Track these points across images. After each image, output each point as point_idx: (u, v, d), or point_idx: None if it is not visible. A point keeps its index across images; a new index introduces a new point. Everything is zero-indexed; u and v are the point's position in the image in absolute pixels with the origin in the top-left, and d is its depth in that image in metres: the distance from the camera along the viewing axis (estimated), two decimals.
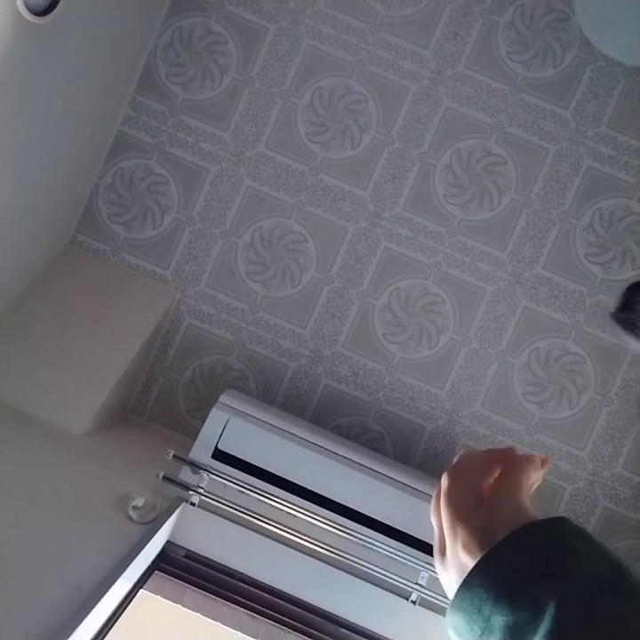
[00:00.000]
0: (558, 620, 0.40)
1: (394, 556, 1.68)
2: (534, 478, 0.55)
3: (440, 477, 0.57)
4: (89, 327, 2.03)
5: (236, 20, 2.22)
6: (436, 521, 0.54)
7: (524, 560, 0.44)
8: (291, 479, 1.74)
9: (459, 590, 0.46)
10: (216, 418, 1.76)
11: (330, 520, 1.69)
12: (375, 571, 1.66)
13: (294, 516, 1.68)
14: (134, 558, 1.35)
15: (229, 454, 1.75)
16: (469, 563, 0.47)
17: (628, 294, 0.66)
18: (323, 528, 1.68)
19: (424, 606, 1.68)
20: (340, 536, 1.69)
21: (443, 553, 0.52)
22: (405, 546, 1.72)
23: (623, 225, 2.22)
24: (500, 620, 0.43)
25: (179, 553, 1.66)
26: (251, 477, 1.73)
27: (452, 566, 0.50)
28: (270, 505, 1.67)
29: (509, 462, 0.55)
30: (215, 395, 1.94)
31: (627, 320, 0.65)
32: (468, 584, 0.45)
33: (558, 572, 0.43)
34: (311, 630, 1.65)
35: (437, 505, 0.54)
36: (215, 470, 1.69)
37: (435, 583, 1.68)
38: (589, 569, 0.43)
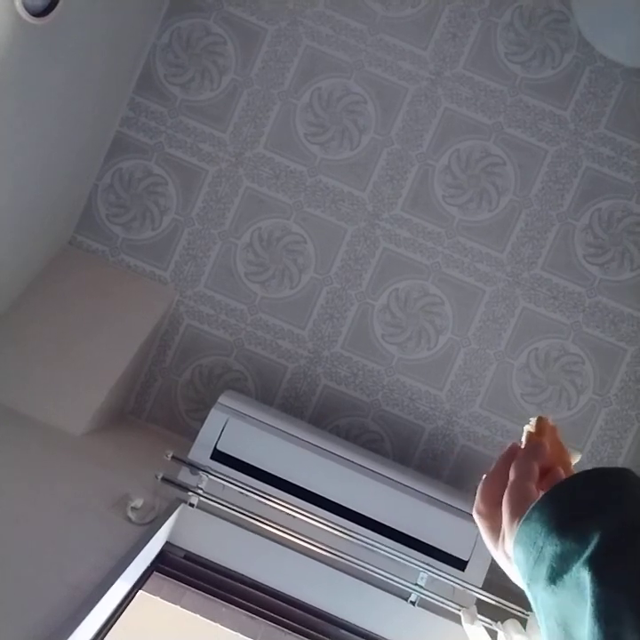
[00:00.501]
0: (600, 548, 0.44)
1: (393, 556, 1.68)
2: (542, 454, 0.60)
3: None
4: (88, 328, 2.03)
5: (234, 21, 2.22)
6: (486, 513, 0.60)
7: (579, 498, 0.49)
8: (290, 480, 1.74)
9: (520, 526, 0.51)
10: (215, 419, 1.76)
11: (329, 521, 1.69)
12: (374, 572, 1.66)
13: (293, 517, 1.68)
14: (133, 559, 1.35)
15: (228, 455, 1.75)
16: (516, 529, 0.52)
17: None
18: (322, 529, 1.68)
19: (423, 607, 1.68)
20: (339, 537, 1.69)
21: (495, 540, 0.58)
22: (405, 547, 1.72)
23: (622, 226, 2.23)
24: (549, 550, 0.47)
25: (178, 554, 1.66)
26: (250, 478, 1.73)
27: (503, 545, 0.56)
28: (269, 506, 1.67)
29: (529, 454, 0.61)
30: (214, 395, 1.94)
31: None
32: (527, 520, 0.50)
33: (609, 509, 0.47)
34: (310, 631, 1.65)
35: (486, 498, 0.60)
36: (214, 471, 1.69)
37: (434, 584, 1.69)
38: (636, 511, 0.47)
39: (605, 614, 0.42)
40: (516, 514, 0.54)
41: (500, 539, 0.57)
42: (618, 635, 0.41)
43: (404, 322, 2.24)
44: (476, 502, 0.61)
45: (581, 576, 0.44)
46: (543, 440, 0.60)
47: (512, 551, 0.53)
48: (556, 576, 0.46)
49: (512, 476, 0.59)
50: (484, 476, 0.63)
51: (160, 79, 2.23)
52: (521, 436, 0.64)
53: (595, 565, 0.44)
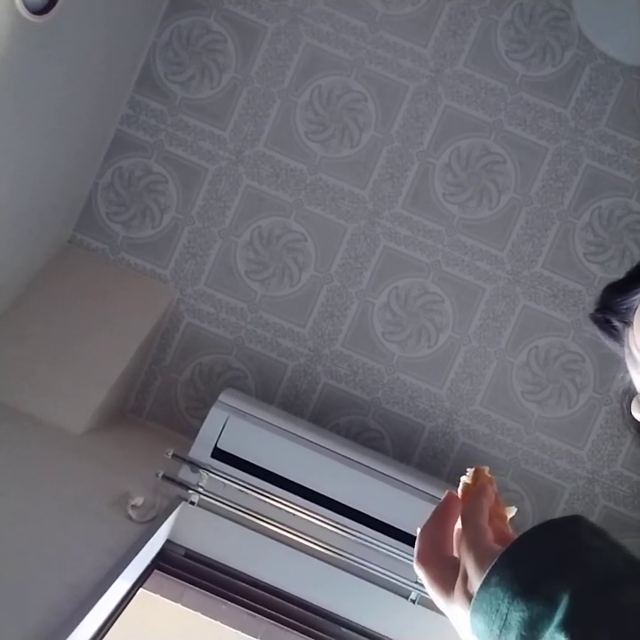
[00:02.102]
0: (572, 609, 0.41)
1: (393, 554, 1.68)
2: (490, 495, 0.57)
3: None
4: (88, 326, 2.03)
5: (234, 19, 2.21)
6: (431, 560, 0.56)
7: (539, 557, 0.45)
8: (290, 478, 1.74)
9: (477, 593, 0.47)
10: (215, 417, 1.76)
11: (329, 519, 1.69)
12: (375, 569, 1.66)
13: (294, 514, 1.68)
14: (133, 557, 1.35)
15: (229, 453, 1.75)
16: (479, 583, 0.48)
17: (606, 293, 0.65)
18: (322, 527, 1.68)
19: (423, 605, 1.68)
20: (340, 535, 1.69)
21: (446, 593, 0.53)
22: (404, 544, 1.72)
23: (622, 224, 2.22)
24: (516, 616, 0.43)
25: (178, 552, 1.66)
26: (250, 476, 1.73)
27: (461, 597, 0.51)
28: (270, 504, 1.67)
29: (460, 506, 0.58)
30: (214, 394, 1.94)
31: (605, 321, 0.65)
32: (485, 585, 0.46)
33: (573, 566, 0.44)
34: (311, 629, 1.66)
35: (424, 557, 0.56)
36: (214, 469, 1.69)
37: None
38: (604, 563, 0.44)
39: None
40: (481, 559, 0.49)
41: (459, 584, 0.51)
42: None
43: (405, 320, 2.24)
44: (416, 551, 0.57)
45: None
46: (487, 484, 0.58)
47: (470, 624, 0.48)
48: None
49: (464, 513, 0.56)
50: (421, 527, 0.59)
51: (160, 77, 2.22)
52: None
53: (570, 629, 0.41)
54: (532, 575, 0.45)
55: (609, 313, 0.62)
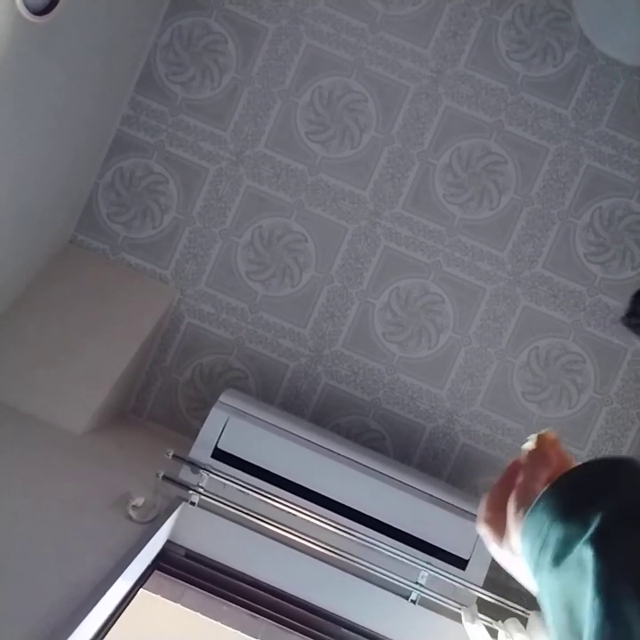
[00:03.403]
0: (600, 529, 0.47)
1: (394, 555, 1.68)
2: (549, 462, 0.61)
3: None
4: (88, 326, 2.03)
5: (235, 20, 2.22)
6: (491, 518, 0.61)
7: (579, 488, 0.52)
8: (290, 479, 1.74)
9: (526, 518, 0.54)
10: (216, 417, 1.76)
11: (330, 519, 1.69)
12: (375, 570, 1.66)
13: (294, 515, 1.68)
14: (134, 558, 1.35)
15: (229, 454, 1.75)
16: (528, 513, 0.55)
17: (636, 301, 0.73)
18: (323, 527, 1.68)
19: (424, 605, 1.68)
20: (340, 535, 1.69)
21: (499, 540, 0.60)
22: (405, 545, 1.72)
23: (623, 224, 2.22)
24: (554, 536, 0.50)
25: (178, 552, 1.66)
26: (250, 477, 1.73)
27: (514, 530, 0.57)
28: (270, 504, 1.67)
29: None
30: (215, 394, 1.94)
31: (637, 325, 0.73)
32: (533, 512, 0.53)
33: (608, 493, 0.50)
34: (311, 630, 1.65)
35: (486, 517, 0.62)
36: (215, 470, 1.69)
37: (434, 583, 1.69)
38: (635, 496, 0.49)
39: (606, 588, 0.44)
40: (522, 508, 0.56)
41: (505, 537, 0.58)
42: (618, 607, 0.43)
43: (405, 320, 2.24)
44: (480, 512, 0.62)
45: (583, 555, 0.46)
46: (548, 450, 0.61)
47: (519, 545, 0.55)
48: (559, 558, 0.49)
49: (518, 480, 0.60)
50: (487, 491, 0.64)
51: (161, 78, 2.23)
52: (521, 437, 0.65)
53: (596, 543, 0.46)
54: (571, 502, 0.51)
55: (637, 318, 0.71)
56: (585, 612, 0.45)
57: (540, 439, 0.62)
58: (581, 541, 0.47)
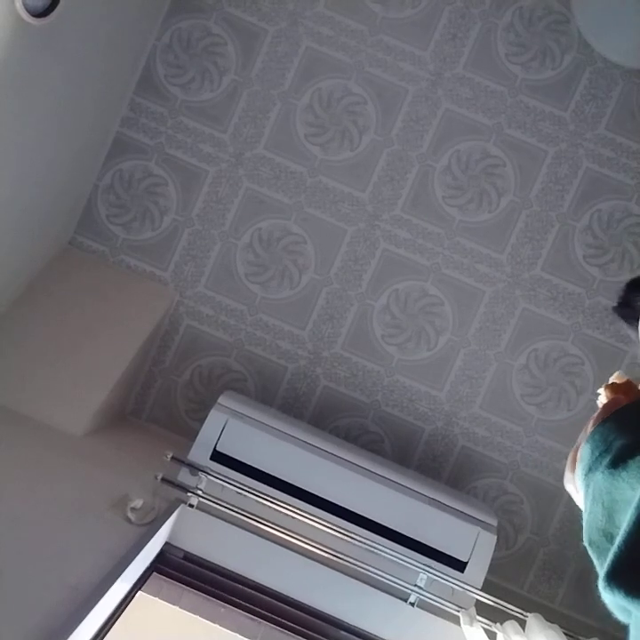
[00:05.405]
0: None
1: (392, 558, 1.68)
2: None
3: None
4: (88, 328, 2.03)
5: (235, 22, 2.22)
6: (573, 455, 0.66)
7: None
8: (289, 481, 1.74)
9: (594, 430, 0.60)
10: (215, 419, 1.76)
11: (328, 522, 1.69)
12: (374, 573, 1.66)
13: (293, 518, 1.68)
14: (132, 560, 1.35)
15: (228, 456, 1.75)
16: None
17: (628, 291, 0.79)
18: (321, 530, 1.68)
19: (422, 608, 1.68)
20: (339, 538, 1.69)
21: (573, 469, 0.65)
22: (404, 548, 1.72)
23: (622, 226, 2.23)
24: (618, 443, 0.56)
25: (177, 554, 1.66)
26: (249, 479, 1.72)
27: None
28: (269, 507, 1.67)
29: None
30: (214, 396, 1.94)
31: (628, 315, 0.79)
32: (602, 425, 0.60)
33: None
34: (310, 632, 1.65)
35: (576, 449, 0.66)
36: (214, 472, 1.69)
37: (433, 585, 1.68)
38: None
39: None
40: (595, 422, 0.62)
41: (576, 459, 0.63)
42: None
43: (404, 323, 2.24)
44: (569, 457, 0.68)
45: None
46: (620, 397, 0.67)
47: (580, 449, 0.61)
48: (617, 462, 0.54)
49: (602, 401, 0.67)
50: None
51: (160, 80, 2.23)
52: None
53: None
54: (637, 420, 0.59)
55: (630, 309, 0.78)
56: (624, 516, 0.49)
57: (613, 388, 0.68)
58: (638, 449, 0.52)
